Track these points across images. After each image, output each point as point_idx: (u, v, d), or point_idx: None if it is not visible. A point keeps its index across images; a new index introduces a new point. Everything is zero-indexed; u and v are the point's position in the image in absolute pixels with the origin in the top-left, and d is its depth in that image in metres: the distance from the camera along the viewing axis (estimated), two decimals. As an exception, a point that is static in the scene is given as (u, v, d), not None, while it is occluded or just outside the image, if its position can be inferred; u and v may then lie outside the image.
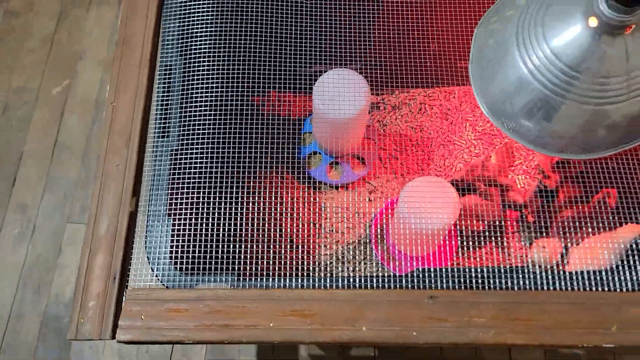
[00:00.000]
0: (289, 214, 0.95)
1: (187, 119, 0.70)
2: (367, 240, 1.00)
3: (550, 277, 0.63)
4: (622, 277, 0.62)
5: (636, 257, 0.65)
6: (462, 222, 0.92)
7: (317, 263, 0.97)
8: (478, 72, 0.72)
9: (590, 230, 0.82)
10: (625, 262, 0.70)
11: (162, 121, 0.69)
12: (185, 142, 0.68)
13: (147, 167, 0.66)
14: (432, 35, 0.89)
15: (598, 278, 0.63)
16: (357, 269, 0.99)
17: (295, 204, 0.97)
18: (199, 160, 0.69)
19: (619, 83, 0.62)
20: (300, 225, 0.98)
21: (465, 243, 0.91)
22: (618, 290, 0.61)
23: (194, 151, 0.70)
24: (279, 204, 0.91)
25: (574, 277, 0.63)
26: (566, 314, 0.60)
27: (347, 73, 0.86)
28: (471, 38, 0.76)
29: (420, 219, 0.78)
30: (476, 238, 0.91)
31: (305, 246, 0.99)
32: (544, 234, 0.93)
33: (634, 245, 0.76)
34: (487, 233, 0.90)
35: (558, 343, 0.58)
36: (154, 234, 0.63)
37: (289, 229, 0.97)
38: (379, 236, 0.98)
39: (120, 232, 0.60)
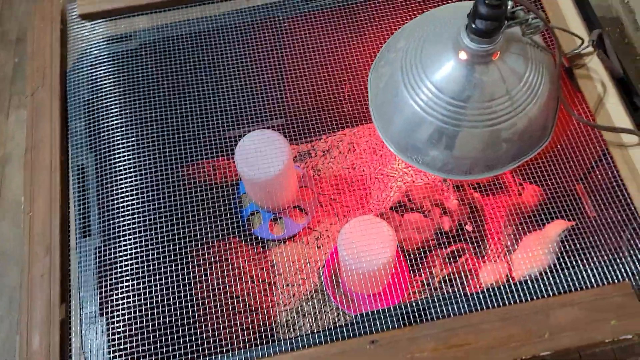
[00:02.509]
0: (241, 278, 0.96)
1: (109, 212, 0.71)
2: (324, 288, 1.01)
3: (481, 296, 0.65)
4: (547, 282, 0.65)
5: (562, 260, 0.68)
6: (408, 245, 0.94)
7: (279, 323, 0.98)
8: (378, 114, 0.75)
9: (521, 234, 0.86)
10: (553, 263, 0.73)
11: (82, 221, 0.69)
12: (110, 237, 0.69)
13: (73, 271, 0.66)
14: (346, 78, 0.93)
15: (525, 288, 0.65)
16: (317, 318, 0.99)
17: (245, 267, 0.98)
18: (130, 251, 0.70)
19: (503, 103, 0.66)
20: (254, 287, 0.99)
21: (415, 267, 0.93)
22: (545, 295, 0.64)
23: (124, 242, 0.70)
24: (229, 271, 0.92)
25: (503, 292, 0.65)
26: (500, 330, 0.62)
27: (264, 134, 0.89)
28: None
29: (361, 260, 0.80)
30: (424, 260, 0.94)
31: (263, 307, 0.99)
32: (484, 248, 0.96)
33: (563, 240, 0.79)
34: (431, 251, 0.93)
35: (497, 361, 0.60)
36: (90, 336, 0.63)
37: (244, 295, 0.97)
38: (333, 281, 0.99)
39: (54, 344, 0.60)
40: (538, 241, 0.84)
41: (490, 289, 0.65)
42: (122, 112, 0.79)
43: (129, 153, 0.77)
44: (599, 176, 0.72)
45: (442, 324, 0.63)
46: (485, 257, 0.96)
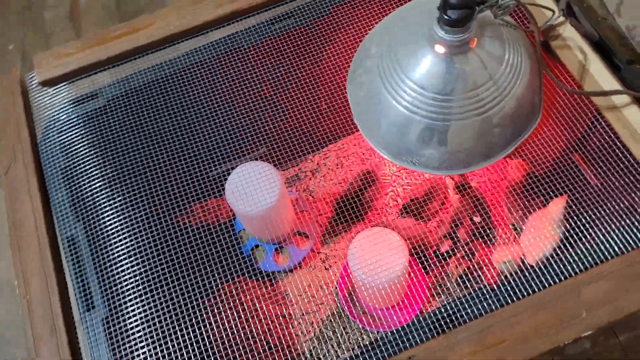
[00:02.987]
0: (256, 317, 0.93)
1: (110, 279, 0.68)
2: (341, 309, 0.98)
3: (508, 288, 0.63)
4: (571, 260, 0.63)
5: (574, 236, 0.67)
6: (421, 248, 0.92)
7: (302, 356, 0.94)
8: (364, 124, 0.74)
9: (527, 218, 0.84)
10: (566, 243, 0.71)
11: (83, 295, 0.66)
12: (115, 305, 0.66)
13: (84, 346, 0.62)
14: (321, 94, 0.91)
15: (551, 270, 0.63)
16: (340, 342, 0.96)
17: (258, 304, 0.95)
18: (139, 315, 0.66)
19: (489, 89, 0.65)
20: (271, 324, 0.95)
21: (429, 270, 0.91)
22: (572, 274, 0.62)
23: (131, 307, 0.67)
24: (243, 312, 0.89)
25: (530, 279, 0.63)
26: (535, 319, 0.59)
27: (251, 166, 0.86)
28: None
29: (375, 274, 0.77)
30: (437, 261, 0.91)
31: (283, 342, 0.95)
32: (494, 236, 0.94)
33: (566, 217, 0.78)
34: (442, 250, 0.91)
35: (539, 352, 0.57)
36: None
37: (262, 333, 0.94)
38: (350, 300, 0.96)
39: None
40: (544, 220, 0.83)
41: (517, 279, 0.63)
42: (103, 173, 0.76)
43: (117, 214, 0.74)
44: (597, 142, 0.71)
45: (476, 325, 0.60)
46: (497, 245, 0.94)
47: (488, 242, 0.94)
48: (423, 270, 0.92)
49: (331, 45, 0.87)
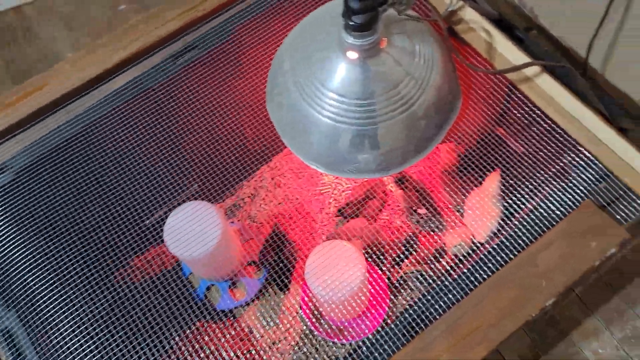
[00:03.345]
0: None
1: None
2: (309, 329, 0.96)
3: (469, 274, 0.63)
4: (520, 233, 0.64)
5: (516, 208, 0.68)
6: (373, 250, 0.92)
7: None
8: (294, 142, 0.72)
9: (466, 198, 0.86)
10: (510, 216, 0.73)
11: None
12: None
13: None
14: (243, 118, 0.89)
15: (503, 247, 0.64)
16: (316, 362, 0.94)
17: (225, 346, 0.91)
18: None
19: (407, 85, 0.65)
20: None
21: (387, 271, 0.91)
22: (524, 247, 0.63)
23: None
24: (210, 358, 0.84)
25: (487, 260, 0.64)
26: (500, 299, 0.60)
27: (186, 208, 0.82)
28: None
29: (337, 288, 0.76)
30: (394, 260, 0.91)
31: (258, 378, 0.92)
32: (442, 223, 0.95)
33: (501, 191, 0.80)
34: (396, 248, 0.91)
35: (511, 330, 0.58)
36: None
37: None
38: (316, 319, 0.94)
39: None
40: (483, 197, 0.85)
41: (474, 263, 0.64)
42: (29, 250, 0.70)
43: (52, 291, 0.68)
44: (517, 115, 0.73)
45: (445, 319, 0.60)
46: (447, 230, 0.96)
47: (437, 230, 0.95)
48: (380, 272, 0.92)
49: (242, 67, 0.85)
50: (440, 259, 0.90)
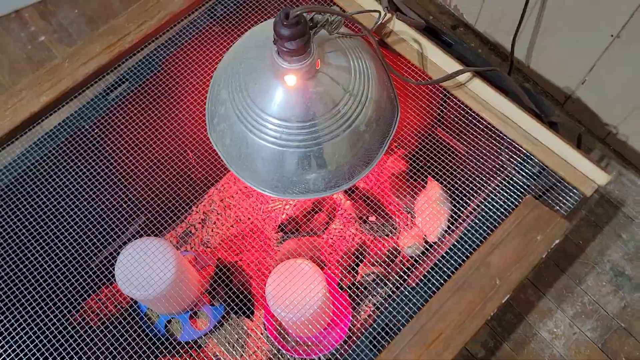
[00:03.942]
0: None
1: None
2: (276, 350, 0.95)
3: (426, 281, 0.65)
4: (470, 235, 0.66)
5: (461, 206, 0.70)
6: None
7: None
8: (241, 170, 0.71)
9: (415, 201, 0.88)
10: (458, 217, 0.75)
11: None
12: None
13: None
14: (184, 144, 0.87)
15: (456, 251, 0.66)
16: (287, 381, 0.93)
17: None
18: None
19: (347, 101, 0.66)
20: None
21: (346, 281, 0.91)
22: (473, 249, 0.65)
23: None
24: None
25: (442, 265, 0.65)
26: (460, 302, 0.62)
27: (136, 246, 0.80)
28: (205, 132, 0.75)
29: (299, 308, 0.75)
30: (351, 271, 0.92)
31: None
32: (393, 227, 0.97)
33: (445, 191, 0.83)
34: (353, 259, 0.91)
35: (475, 330, 0.60)
36: None
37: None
38: (281, 338, 0.93)
39: None
40: (430, 198, 0.87)
41: (430, 270, 0.65)
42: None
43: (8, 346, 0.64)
44: (455, 120, 0.75)
45: (412, 327, 0.61)
46: (399, 233, 0.98)
47: (390, 234, 0.97)
48: (339, 282, 0.92)
49: (177, 95, 0.83)
50: (395, 260, 0.92)
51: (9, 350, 0.65)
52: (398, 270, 0.87)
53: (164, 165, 0.82)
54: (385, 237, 0.97)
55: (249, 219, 1.07)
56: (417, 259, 0.88)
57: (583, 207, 1.07)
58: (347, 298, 0.93)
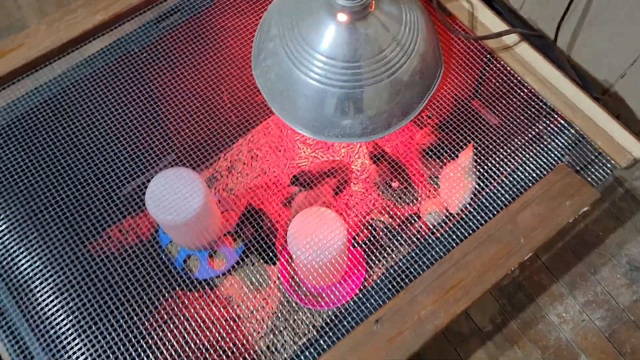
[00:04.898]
0: (204, 328, 0.89)
1: (44, 325, 0.61)
2: (288, 297, 0.97)
3: (450, 232, 0.66)
4: (500, 194, 0.67)
5: (493, 170, 0.71)
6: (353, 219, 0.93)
7: (260, 352, 0.92)
8: (281, 106, 0.73)
9: (441, 171, 0.88)
10: (489, 178, 0.76)
11: (18, 348, 0.59)
12: (57, 347, 0.60)
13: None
14: (221, 91, 0.88)
15: (484, 207, 0.67)
16: (296, 329, 0.95)
17: (203, 314, 0.91)
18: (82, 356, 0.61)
19: (393, 50, 0.67)
20: (221, 330, 0.92)
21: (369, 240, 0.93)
22: (504, 206, 0.66)
23: (71, 349, 0.61)
24: (191, 326, 0.84)
25: (468, 219, 0.66)
26: (483, 254, 0.63)
27: (168, 174, 0.82)
28: (251, 70, 0.76)
29: (318, 249, 0.77)
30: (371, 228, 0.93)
31: (238, 344, 0.93)
32: (414, 195, 0.98)
33: (476, 161, 0.83)
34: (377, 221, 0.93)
35: (495, 281, 0.61)
36: None
37: (215, 341, 0.90)
38: (295, 287, 0.95)
39: None
40: (457, 170, 0.87)
41: (456, 222, 0.66)
42: (6, 212, 0.68)
43: (32, 254, 0.66)
44: (496, 83, 0.76)
45: (431, 273, 0.63)
46: (421, 200, 0.98)
47: (411, 203, 0.98)
48: (363, 240, 0.94)
49: (225, 33, 0.85)
50: (414, 223, 0.93)
51: (34, 266, 0.67)
52: (419, 229, 0.88)
53: (199, 105, 0.83)
54: (407, 204, 0.98)
55: (274, 172, 1.09)
56: (436, 226, 0.89)
57: (607, 199, 1.07)
58: (363, 259, 0.94)
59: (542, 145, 0.70)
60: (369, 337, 0.59)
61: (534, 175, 0.68)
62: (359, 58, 0.65)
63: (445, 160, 0.91)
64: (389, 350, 0.58)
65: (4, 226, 0.68)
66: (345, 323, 0.62)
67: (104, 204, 0.74)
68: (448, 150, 0.87)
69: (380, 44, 0.66)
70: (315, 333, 0.62)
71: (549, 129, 0.70)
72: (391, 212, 0.99)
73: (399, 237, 0.91)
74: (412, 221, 0.94)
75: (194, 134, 0.83)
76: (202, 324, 0.89)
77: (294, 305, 0.95)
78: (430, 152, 0.97)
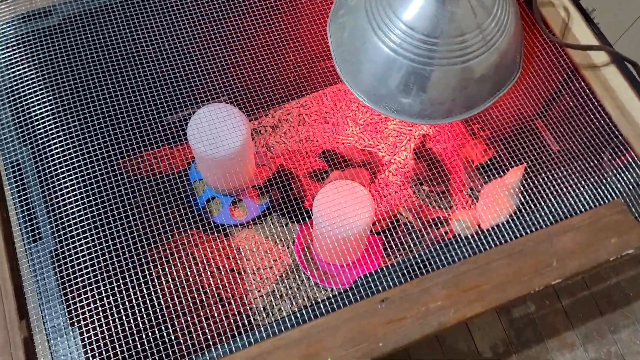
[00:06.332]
0: (208, 270, 0.88)
1: (58, 210, 0.61)
2: (296, 266, 0.96)
3: (482, 237, 0.63)
4: (543, 213, 0.64)
5: (542, 193, 0.67)
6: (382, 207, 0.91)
7: (255, 310, 0.91)
8: (344, 66, 0.71)
9: (483, 185, 0.85)
10: (534, 200, 0.72)
11: (29, 224, 0.59)
12: (64, 237, 0.59)
13: (27, 281, 0.56)
14: (288, 48, 0.87)
15: (523, 222, 0.64)
16: (296, 298, 0.94)
17: (210, 257, 0.90)
18: (89, 250, 0.61)
19: (475, 37, 0.64)
20: (223, 277, 0.91)
21: (389, 230, 0.90)
22: (544, 225, 0.63)
23: (79, 242, 0.61)
24: (195, 264, 0.84)
25: (503, 229, 0.63)
26: (508, 266, 0.60)
27: (217, 108, 0.81)
28: (325, 36, 0.75)
29: (341, 224, 0.75)
30: (397, 223, 0.91)
31: (236, 296, 0.92)
32: (449, 202, 0.95)
33: (523, 184, 0.79)
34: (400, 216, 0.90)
35: (514, 296, 0.58)
36: (61, 352, 0.53)
37: (215, 286, 0.89)
38: (305, 257, 0.94)
39: (20, 366, 0.50)
40: (499, 188, 0.84)
41: (491, 229, 0.63)
42: (52, 98, 0.69)
43: (67, 142, 0.67)
44: (570, 101, 0.72)
45: (450, 270, 0.60)
46: (454, 206, 0.95)
47: (445, 206, 0.95)
48: (383, 229, 0.91)
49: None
50: (441, 227, 0.90)
51: (67, 158, 0.66)
52: (447, 229, 0.85)
53: (264, 56, 0.82)
54: (438, 208, 0.95)
55: (317, 141, 1.07)
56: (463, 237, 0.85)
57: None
58: (380, 246, 0.92)
59: (601, 178, 0.66)
60: (370, 313, 0.57)
61: (585, 205, 0.64)
62: (438, 35, 0.63)
63: (490, 177, 0.88)
64: (387, 331, 0.56)
65: (49, 108, 0.68)
66: (350, 295, 0.60)
67: (149, 124, 0.74)
68: (497, 166, 0.83)
69: (463, 28, 0.63)
70: (314, 303, 0.59)
71: (614, 162, 0.65)
72: (419, 211, 0.96)
73: (421, 236, 0.88)
74: (439, 224, 0.91)
75: (252, 82, 0.82)
76: (207, 267, 0.89)
77: (302, 275, 0.94)
78: (478, 166, 0.93)
